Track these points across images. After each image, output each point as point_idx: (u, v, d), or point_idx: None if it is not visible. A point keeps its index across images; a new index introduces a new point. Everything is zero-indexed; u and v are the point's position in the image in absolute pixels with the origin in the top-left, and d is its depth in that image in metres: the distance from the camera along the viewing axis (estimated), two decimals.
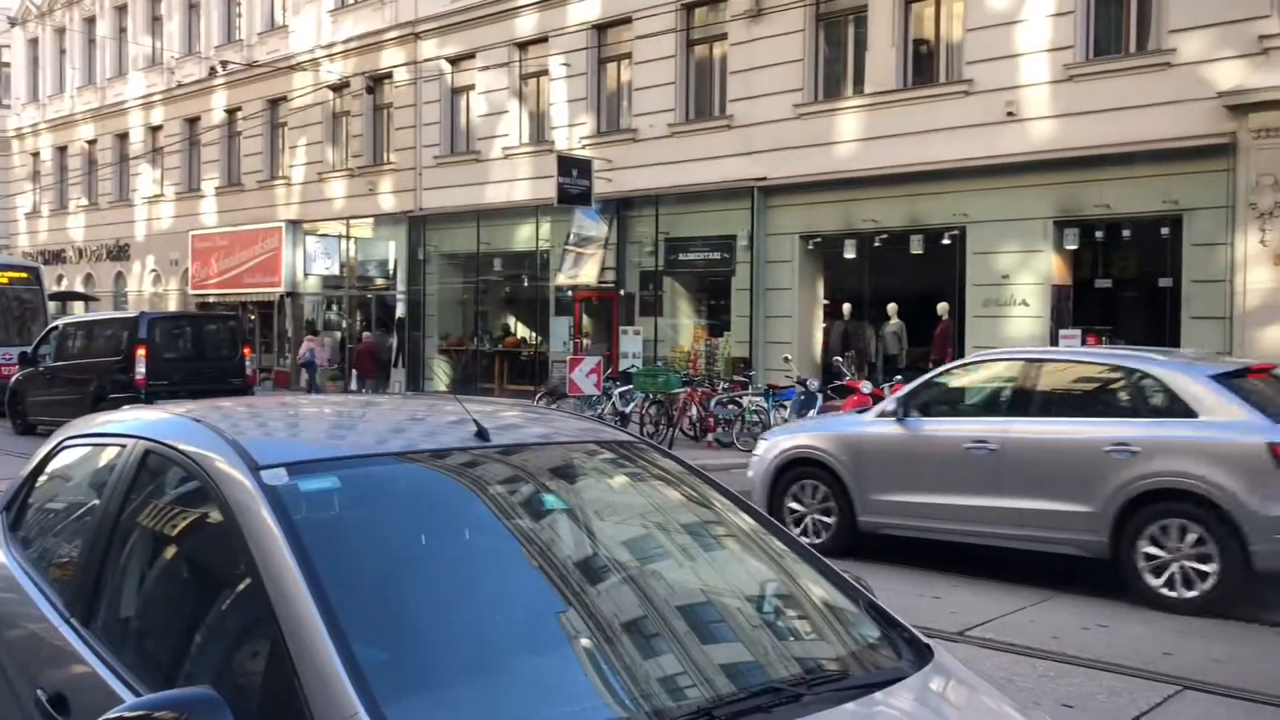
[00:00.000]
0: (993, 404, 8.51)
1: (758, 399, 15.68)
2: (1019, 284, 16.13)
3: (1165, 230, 14.91)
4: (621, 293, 20.75)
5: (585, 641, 2.50)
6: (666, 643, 2.54)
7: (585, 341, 20.81)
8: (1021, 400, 8.18)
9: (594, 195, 20.01)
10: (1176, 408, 7.45)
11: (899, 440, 8.54)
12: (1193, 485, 7.02)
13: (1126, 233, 15.44)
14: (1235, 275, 14.25)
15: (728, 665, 2.59)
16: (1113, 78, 15.22)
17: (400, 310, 25.23)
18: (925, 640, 2.76)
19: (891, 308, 17.97)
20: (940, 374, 9.15)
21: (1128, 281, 16.21)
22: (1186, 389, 7.45)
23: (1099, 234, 15.69)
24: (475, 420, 2.98)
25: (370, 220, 26.16)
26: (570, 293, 21.37)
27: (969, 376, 9.09)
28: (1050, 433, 7.84)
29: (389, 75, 25.42)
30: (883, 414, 8.88)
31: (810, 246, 18.67)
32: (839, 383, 14.90)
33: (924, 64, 17.64)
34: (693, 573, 3.00)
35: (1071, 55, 15.56)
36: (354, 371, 24.40)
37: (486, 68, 23.29)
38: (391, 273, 25.74)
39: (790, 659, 2.64)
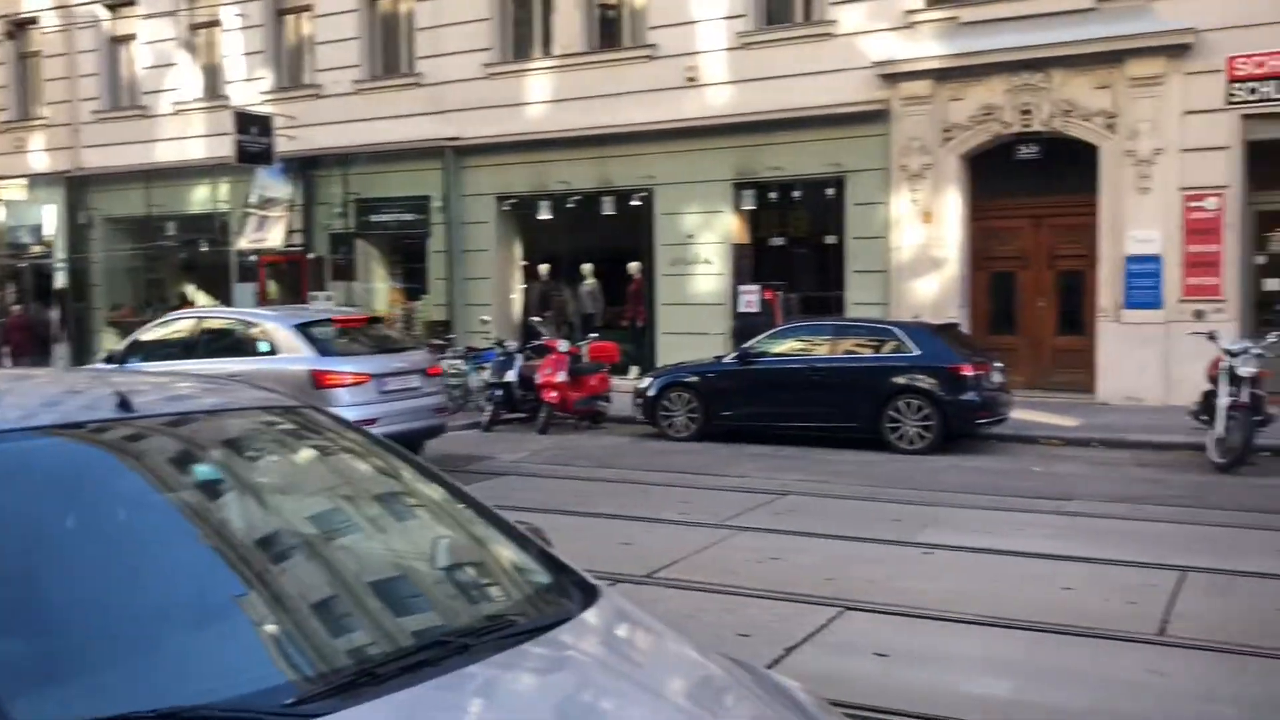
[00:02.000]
0: (172, 350, 10.91)
1: (457, 361, 15.56)
2: (703, 243, 16.89)
3: (830, 191, 16.06)
4: (310, 256, 19.91)
5: (252, 612, 2.40)
6: (339, 607, 2.51)
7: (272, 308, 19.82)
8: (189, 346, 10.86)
9: (276, 154, 19.03)
10: (267, 347, 10.49)
11: None
12: None
13: (797, 194, 16.52)
14: (891, 232, 15.59)
15: (399, 625, 2.58)
16: (783, 46, 16.16)
17: (60, 280, 22.98)
18: (593, 582, 2.86)
19: (587, 268, 18.32)
20: (142, 331, 11.78)
21: (800, 240, 17.35)
22: (272, 335, 10.55)
23: (772, 195, 16.69)
24: (121, 392, 2.76)
25: (22, 181, 23.57)
26: (254, 257, 20.26)
27: (159, 331, 11.59)
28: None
29: (33, 20, 22.92)
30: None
31: (506, 208, 18.67)
32: (537, 342, 15.04)
33: (611, 27, 17.98)
34: (366, 538, 2.96)
35: (745, 23, 16.36)
36: (5, 348, 21.99)
37: (150, 16, 21.50)
38: (49, 239, 23.36)
39: (462, 613, 2.67)
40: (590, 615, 2.69)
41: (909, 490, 9.53)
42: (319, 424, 3.26)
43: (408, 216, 19.34)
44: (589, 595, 2.79)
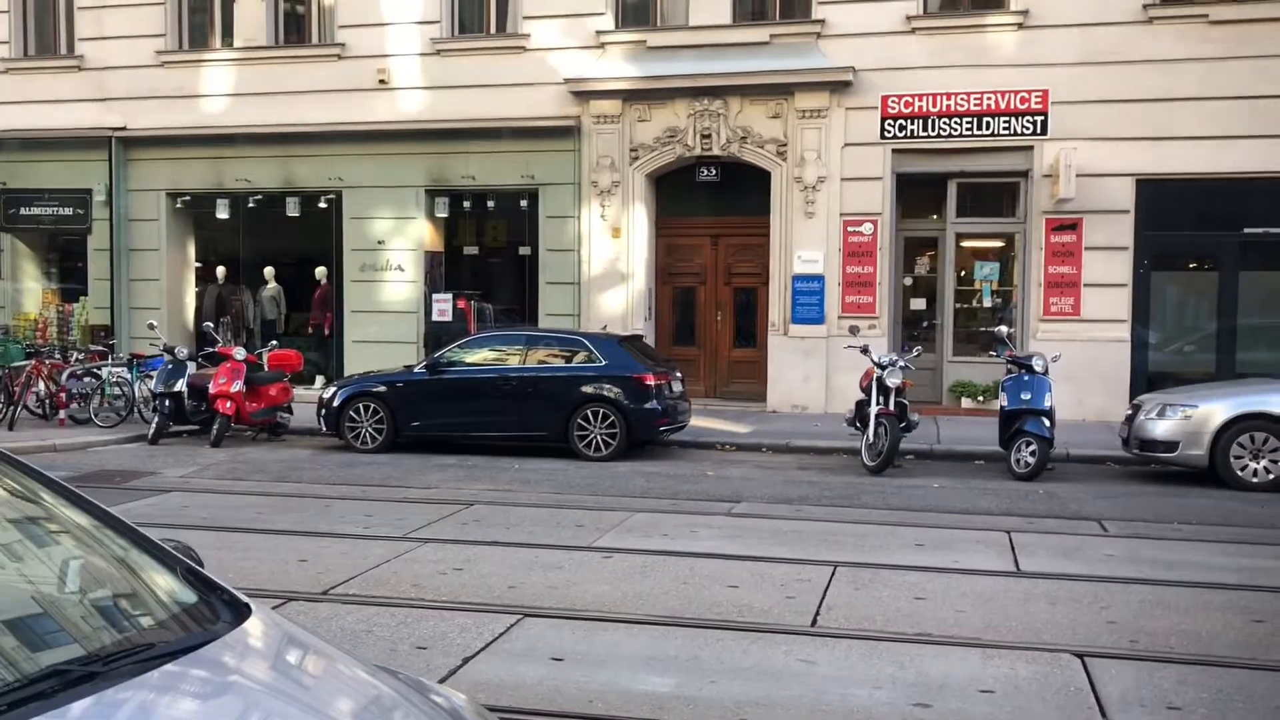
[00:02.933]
0: None
1: (119, 369, 14.38)
2: (394, 249, 16.59)
3: (524, 202, 16.24)
4: None
5: None
6: None
7: None
8: None
9: None
10: None
11: None
12: None
13: (491, 203, 16.57)
14: (582, 245, 15.97)
15: (25, 655, 2.35)
16: (476, 56, 16.18)
17: None
18: (244, 600, 2.73)
19: (269, 271, 17.52)
20: None
21: (494, 249, 17.42)
22: None
23: (467, 203, 16.65)
24: None
25: None
26: None
27: None
28: None
29: None
30: None
31: (179, 205, 17.52)
32: (211, 350, 14.17)
33: (297, 23, 17.31)
34: None
35: (439, 30, 16.24)
36: None
37: None
38: None
39: (97, 638, 2.48)
40: (239, 634, 2.57)
41: (593, 496, 9.78)
42: None
43: (66, 210, 17.70)
44: (240, 613, 2.66)
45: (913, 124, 14.95)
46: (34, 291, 18.40)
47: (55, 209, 17.78)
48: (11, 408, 13.98)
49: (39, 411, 14.50)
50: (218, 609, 2.69)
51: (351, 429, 12.65)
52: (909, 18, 14.83)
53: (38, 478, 2.95)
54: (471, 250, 17.40)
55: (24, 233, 18.13)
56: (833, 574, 6.84)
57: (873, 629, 5.78)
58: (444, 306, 16.40)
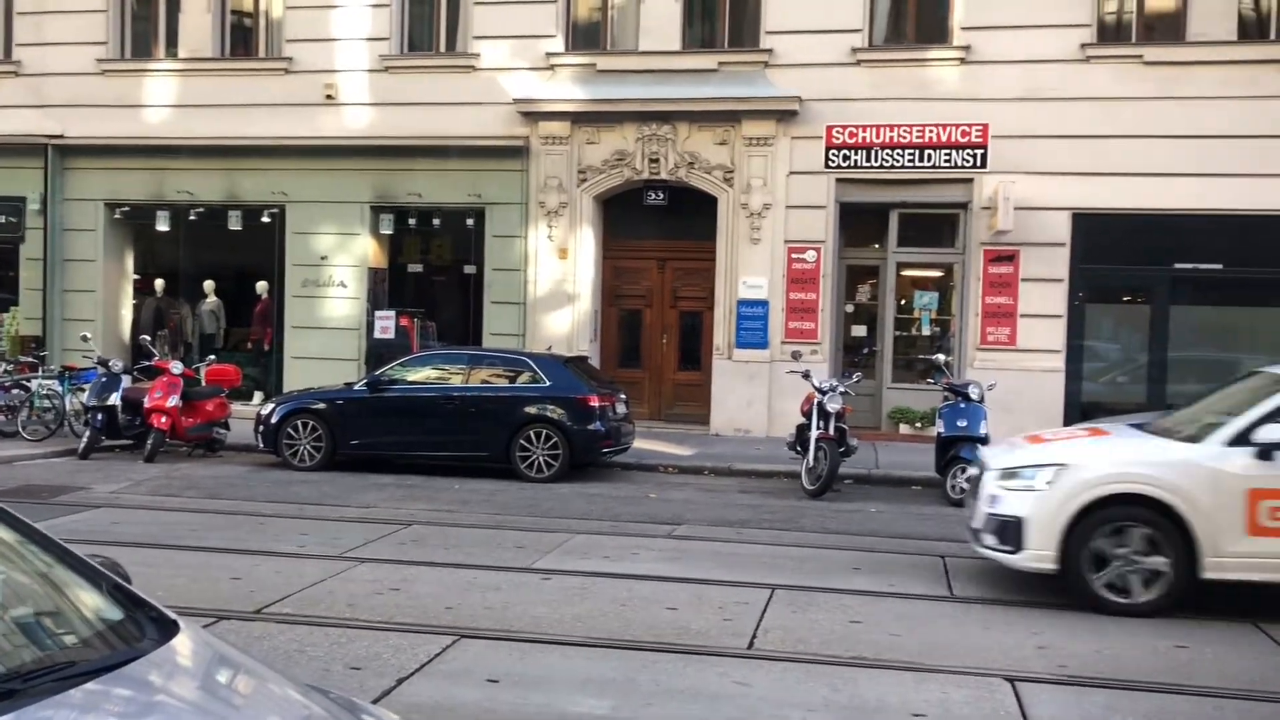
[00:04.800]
0: None
1: (50, 382, 14.05)
2: (337, 265, 16.44)
3: (471, 221, 16.19)
4: None
5: None
6: None
7: None
8: None
9: None
10: None
11: None
12: None
13: (437, 221, 16.50)
14: (528, 265, 15.95)
15: None
16: (425, 74, 16.15)
17: None
18: (172, 617, 2.69)
19: (209, 285, 17.28)
20: None
21: (439, 267, 17.33)
22: None
23: (412, 221, 16.57)
24: None
25: None
26: None
27: None
28: None
29: None
30: None
31: (117, 215, 17.23)
32: (147, 363, 13.91)
33: (244, 35, 17.16)
34: None
35: (388, 47, 16.19)
36: None
37: None
38: None
39: (15, 654, 2.42)
40: (167, 651, 2.54)
41: (533, 517, 9.73)
42: None
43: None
44: (167, 631, 2.62)
45: (856, 154, 15.16)
46: None
47: None
48: None
49: None
50: (144, 626, 2.64)
51: (289, 446, 12.47)
52: (854, 49, 15.08)
53: None
54: (416, 268, 17.29)
55: None
56: (770, 596, 6.88)
57: (809, 651, 5.82)
58: (386, 324, 16.26)
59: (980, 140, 14.77)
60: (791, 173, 15.30)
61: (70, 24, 16.83)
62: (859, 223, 15.69)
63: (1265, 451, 6.54)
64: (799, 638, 6.07)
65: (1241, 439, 6.65)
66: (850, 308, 15.91)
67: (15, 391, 14.04)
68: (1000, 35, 14.69)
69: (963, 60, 14.86)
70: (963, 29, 14.91)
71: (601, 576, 7.39)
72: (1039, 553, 6.85)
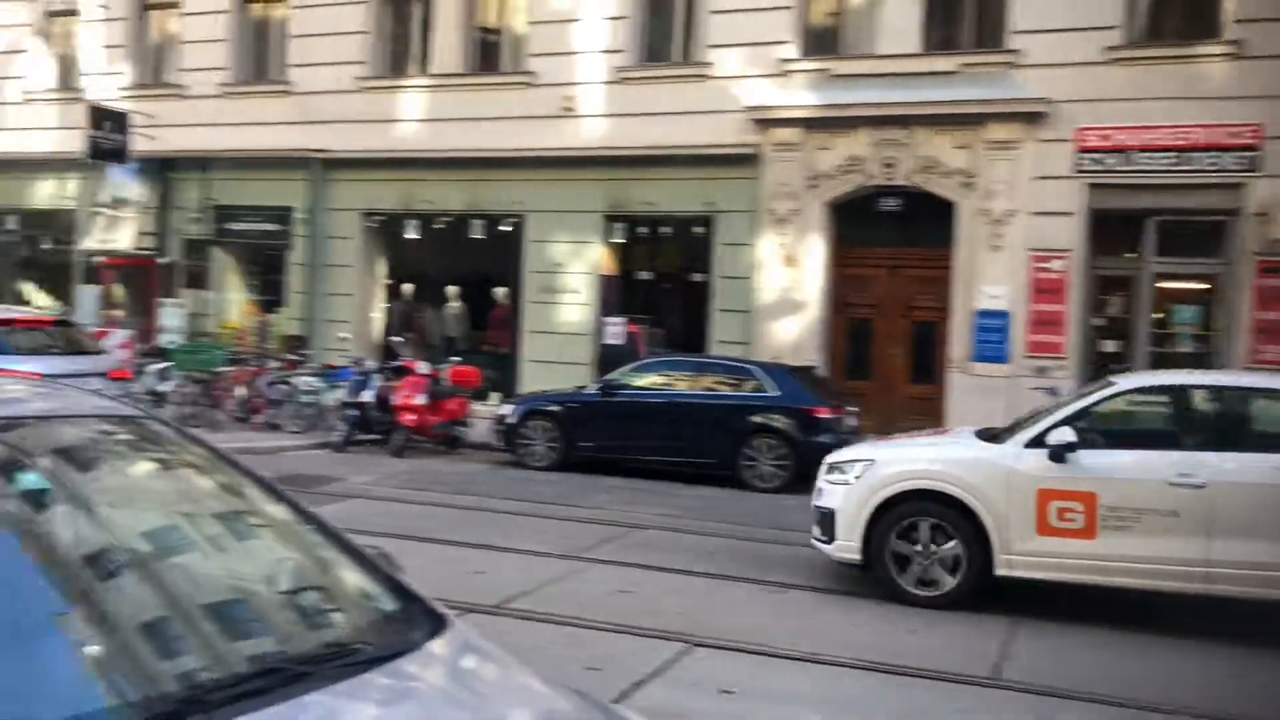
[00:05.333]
0: None
1: (311, 379, 15.11)
2: (571, 273, 16.88)
3: (700, 229, 16.27)
4: (162, 261, 19.12)
5: (72, 632, 2.24)
6: (170, 629, 2.36)
7: (118, 313, 18.92)
8: None
9: (132, 153, 18.24)
10: None
11: None
12: None
13: (666, 229, 16.67)
14: (756, 273, 15.87)
15: (233, 649, 2.45)
16: (659, 84, 16.36)
17: None
18: (442, 612, 2.77)
19: (452, 290, 18.08)
20: None
21: (668, 275, 17.49)
22: None
23: (643, 229, 16.81)
24: None
25: None
26: (99, 259, 19.33)
27: None
28: None
29: None
30: None
31: (372, 224, 18.32)
32: (396, 363, 14.73)
33: (490, 51, 17.91)
34: (203, 557, 2.81)
35: (624, 59, 16.51)
36: None
37: None
38: None
39: (302, 639, 2.56)
40: (437, 645, 2.60)
41: (762, 528, 9.65)
42: (160, 436, 3.09)
43: (269, 226, 18.76)
44: (437, 625, 2.70)
45: (1109, 158, 14.28)
46: (237, 302, 19.55)
47: (259, 224, 18.87)
48: (212, 411, 14.87)
49: (239, 415, 15.37)
50: (416, 619, 2.73)
51: (525, 445, 12.91)
52: (1108, 47, 14.20)
53: (247, 473, 3.08)
54: (645, 275, 17.53)
55: (231, 246, 19.29)
56: None
57: None
58: (615, 330, 16.58)
59: (1251, 142, 13.61)
60: (1036, 177, 14.57)
61: (335, 45, 18.06)
62: (1109, 230, 14.74)
63: (1056, 453, 6.59)
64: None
65: (1038, 441, 6.72)
66: (1100, 321, 14.98)
67: (281, 387, 15.18)
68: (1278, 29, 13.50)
69: (1234, 55, 13.73)
70: (1235, 22, 13.79)
71: (829, 594, 7.23)
72: (845, 543, 7.10)
